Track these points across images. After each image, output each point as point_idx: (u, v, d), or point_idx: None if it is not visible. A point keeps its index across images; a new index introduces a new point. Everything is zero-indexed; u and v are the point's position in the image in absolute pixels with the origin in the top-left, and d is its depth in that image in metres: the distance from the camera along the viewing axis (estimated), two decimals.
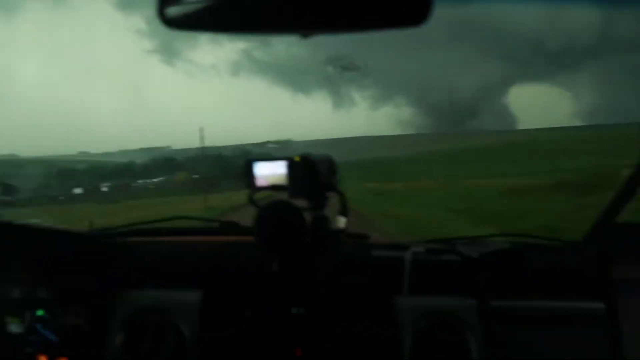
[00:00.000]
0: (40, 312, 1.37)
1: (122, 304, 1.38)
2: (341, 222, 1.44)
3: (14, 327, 1.37)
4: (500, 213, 15.06)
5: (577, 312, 1.40)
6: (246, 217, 1.62)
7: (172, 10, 0.63)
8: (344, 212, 1.43)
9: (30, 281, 1.39)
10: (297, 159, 1.37)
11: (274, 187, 1.45)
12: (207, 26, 0.65)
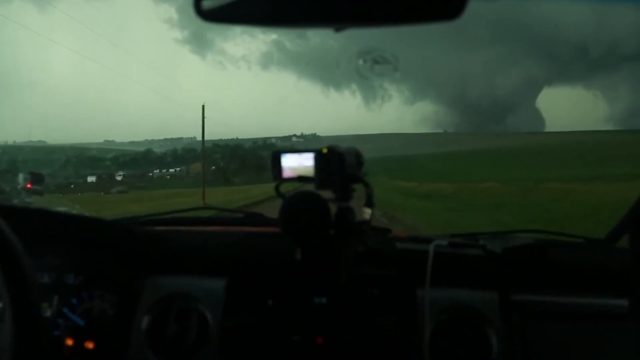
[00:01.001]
0: (68, 297, 1.44)
1: (148, 289, 1.44)
2: (366, 213, 1.43)
3: (43, 311, 1.45)
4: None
5: (600, 309, 1.41)
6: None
7: (208, 3, 0.64)
8: (369, 203, 1.43)
9: (59, 267, 1.47)
10: (324, 150, 1.40)
11: (301, 179, 1.47)
12: (242, 19, 0.66)
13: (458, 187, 30.19)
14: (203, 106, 30.53)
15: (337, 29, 0.65)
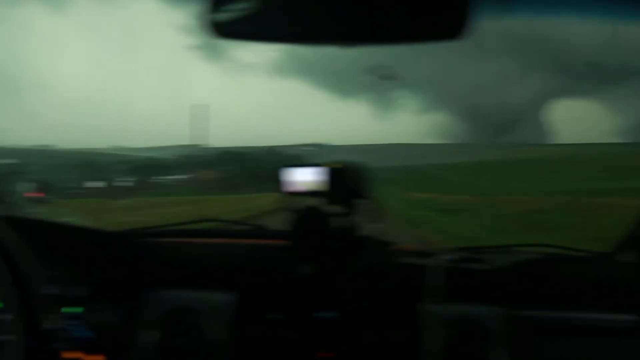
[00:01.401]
0: (75, 310, 1.45)
1: (154, 303, 1.46)
2: (372, 228, 1.50)
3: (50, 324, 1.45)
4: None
5: (607, 324, 1.40)
6: None
7: (219, 21, 0.69)
8: (376, 219, 1.50)
9: (67, 279, 1.48)
10: (333, 165, 1.44)
11: (308, 193, 1.51)
12: (252, 36, 0.71)
13: (484, 200, 27.18)
14: (191, 106, 30.51)
15: (344, 47, 0.68)
